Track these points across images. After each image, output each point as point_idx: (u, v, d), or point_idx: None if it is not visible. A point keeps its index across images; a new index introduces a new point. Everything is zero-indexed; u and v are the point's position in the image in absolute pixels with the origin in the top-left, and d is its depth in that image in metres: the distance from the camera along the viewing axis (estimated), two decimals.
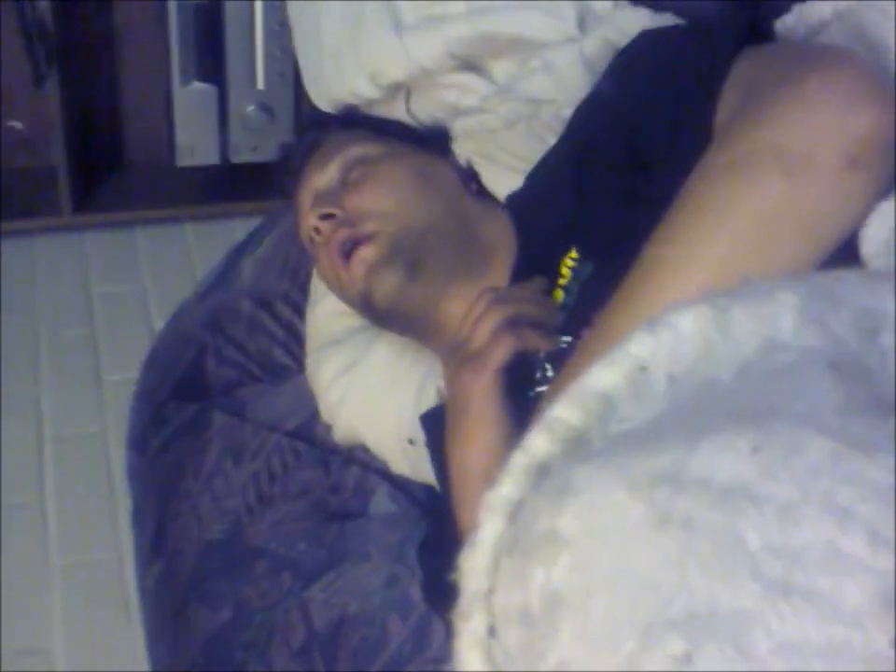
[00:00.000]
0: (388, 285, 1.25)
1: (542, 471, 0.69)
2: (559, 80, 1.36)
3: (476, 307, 1.10)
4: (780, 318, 0.70)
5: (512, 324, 1.08)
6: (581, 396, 0.71)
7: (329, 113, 1.52)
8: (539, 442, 0.71)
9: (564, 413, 0.71)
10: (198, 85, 2.43)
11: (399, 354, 1.39)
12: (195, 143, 2.48)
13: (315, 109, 1.55)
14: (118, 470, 2.00)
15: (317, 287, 1.51)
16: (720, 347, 0.69)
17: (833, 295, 0.72)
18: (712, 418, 0.64)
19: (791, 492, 0.58)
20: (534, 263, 1.21)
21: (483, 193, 1.37)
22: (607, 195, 1.12)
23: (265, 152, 2.50)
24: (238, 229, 2.30)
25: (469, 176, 1.38)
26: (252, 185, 2.51)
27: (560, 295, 1.15)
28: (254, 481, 1.37)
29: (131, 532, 1.51)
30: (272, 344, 1.55)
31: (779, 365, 0.68)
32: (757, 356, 0.69)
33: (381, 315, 1.30)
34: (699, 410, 0.67)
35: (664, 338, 0.71)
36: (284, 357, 1.54)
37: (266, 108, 2.46)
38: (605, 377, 0.71)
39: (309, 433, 1.42)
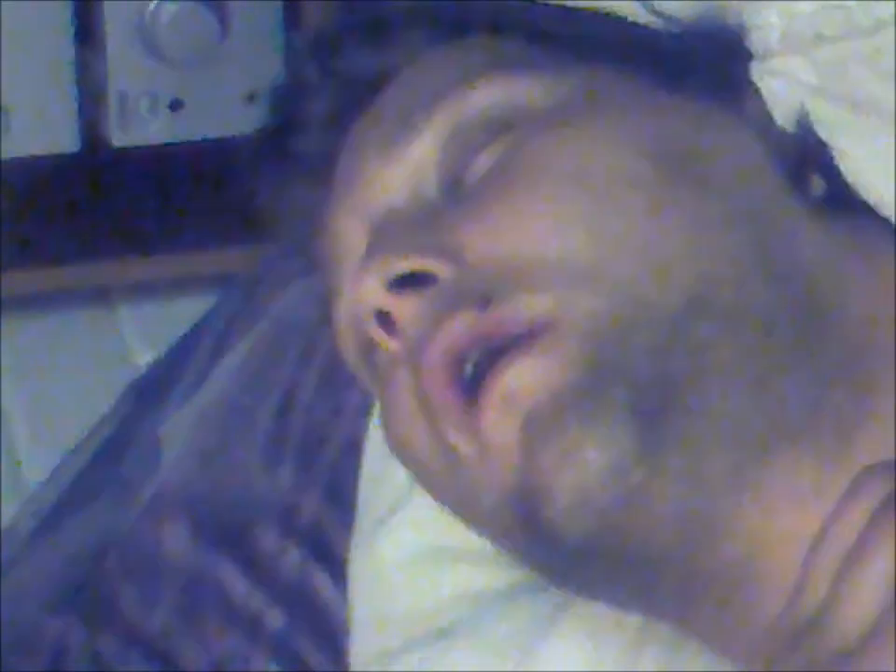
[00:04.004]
0: (595, 466, 0.82)
1: None
2: None
3: (839, 524, 0.72)
4: None
5: None
6: None
7: None
8: None
9: None
10: None
11: (616, 655, 0.93)
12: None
13: None
14: None
15: (380, 481, 1.03)
16: None
17: None
18: None
19: None
20: None
21: (840, 201, 0.92)
22: None
23: (198, 123, 1.65)
24: (126, 325, 1.58)
25: (808, 159, 0.93)
26: (172, 209, 1.80)
27: None
28: None
29: None
30: (252, 647, 1.02)
31: None
32: None
33: (569, 554, 0.85)
34: None
35: None
36: None
37: None
38: None
39: None
